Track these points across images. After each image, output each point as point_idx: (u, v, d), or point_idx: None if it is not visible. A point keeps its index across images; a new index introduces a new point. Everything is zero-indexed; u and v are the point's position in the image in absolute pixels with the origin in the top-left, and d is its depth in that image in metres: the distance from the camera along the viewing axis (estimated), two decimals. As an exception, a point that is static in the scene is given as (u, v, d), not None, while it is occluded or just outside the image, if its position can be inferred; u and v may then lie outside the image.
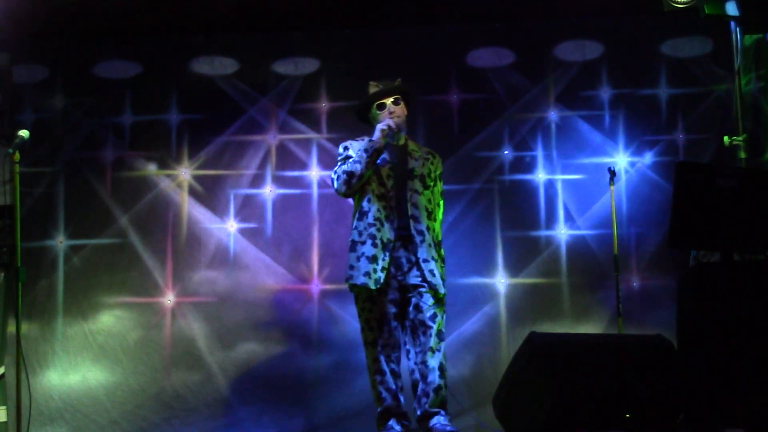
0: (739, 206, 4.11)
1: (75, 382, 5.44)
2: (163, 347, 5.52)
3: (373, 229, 4.24)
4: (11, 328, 5.15)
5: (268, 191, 5.70)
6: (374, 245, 4.23)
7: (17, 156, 4.31)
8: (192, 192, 5.69)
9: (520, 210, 5.63)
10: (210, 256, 5.64)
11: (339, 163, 4.37)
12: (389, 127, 4.28)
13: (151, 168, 5.74)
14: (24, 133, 4.35)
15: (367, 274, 4.21)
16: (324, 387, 5.32)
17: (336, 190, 4.34)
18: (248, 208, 5.68)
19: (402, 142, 4.45)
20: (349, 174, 4.24)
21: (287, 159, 5.72)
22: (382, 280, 4.22)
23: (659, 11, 4.89)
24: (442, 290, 4.28)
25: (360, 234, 4.28)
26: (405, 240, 4.28)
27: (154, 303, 5.59)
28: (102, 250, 5.62)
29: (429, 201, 4.36)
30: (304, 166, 5.70)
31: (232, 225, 5.67)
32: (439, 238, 4.42)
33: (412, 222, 4.28)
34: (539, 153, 5.66)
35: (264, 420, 5.28)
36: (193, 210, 5.68)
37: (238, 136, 5.73)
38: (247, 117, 5.74)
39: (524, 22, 5.72)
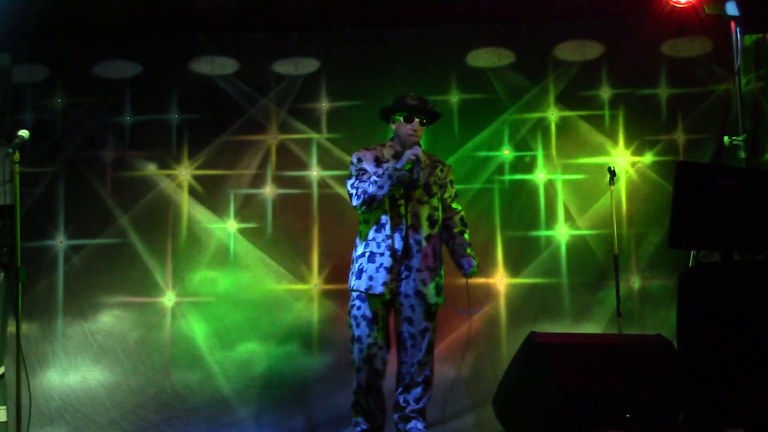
0: (739, 206, 4.11)
1: (75, 382, 5.43)
2: (163, 347, 5.51)
3: (390, 241, 4.41)
4: (11, 328, 5.15)
5: (268, 191, 5.70)
6: (391, 256, 4.40)
7: (17, 156, 4.30)
8: (192, 192, 5.69)
9: (520, 210, 5.63)
10: (210, 256, 5.63)
11: (354, 177, 4.49)
12: (417, 156, 4.39)
13: (151, 168, 5.74)
14: (24, 133, 4.35)
15: (385, 284, 4.38)
16: (324, 387, 5.31)
17: (355, 206, 4.46)
18: (248, 208, 5.68)
19: None
20: (371, 197, 4.38)
21: (287, 159, 5.71)
22: (395, 289, 4.42)
23: (659, 11, 4.90)
24: (432, 299, 4.43)
25: (379, 245, 4.42)
26: (407, 249, 4.42)
27: (154, 303, 5.59)
28: (102, 250, 5.61)
29: (434, 209, 4.50)
30: (304, 166, 5.70)
31: (232, 225, 5.66)
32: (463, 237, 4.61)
33: (410, 232, 4.43)
34: (539, 153, 5.65)
35: (264, 420, 5.30)
36: (193, 210, 5.67)
37: (238, 136, 5.72)
38: (247, 117, 5.74)
39: (524, 22, 5.72)
